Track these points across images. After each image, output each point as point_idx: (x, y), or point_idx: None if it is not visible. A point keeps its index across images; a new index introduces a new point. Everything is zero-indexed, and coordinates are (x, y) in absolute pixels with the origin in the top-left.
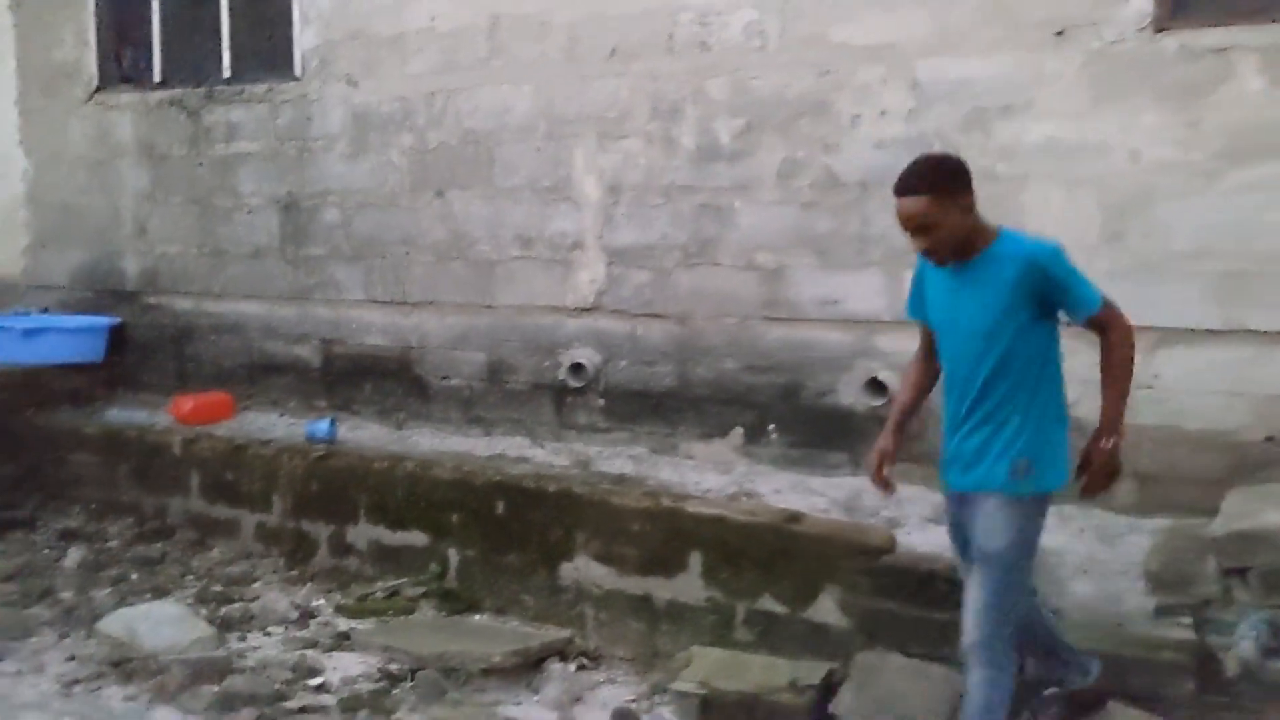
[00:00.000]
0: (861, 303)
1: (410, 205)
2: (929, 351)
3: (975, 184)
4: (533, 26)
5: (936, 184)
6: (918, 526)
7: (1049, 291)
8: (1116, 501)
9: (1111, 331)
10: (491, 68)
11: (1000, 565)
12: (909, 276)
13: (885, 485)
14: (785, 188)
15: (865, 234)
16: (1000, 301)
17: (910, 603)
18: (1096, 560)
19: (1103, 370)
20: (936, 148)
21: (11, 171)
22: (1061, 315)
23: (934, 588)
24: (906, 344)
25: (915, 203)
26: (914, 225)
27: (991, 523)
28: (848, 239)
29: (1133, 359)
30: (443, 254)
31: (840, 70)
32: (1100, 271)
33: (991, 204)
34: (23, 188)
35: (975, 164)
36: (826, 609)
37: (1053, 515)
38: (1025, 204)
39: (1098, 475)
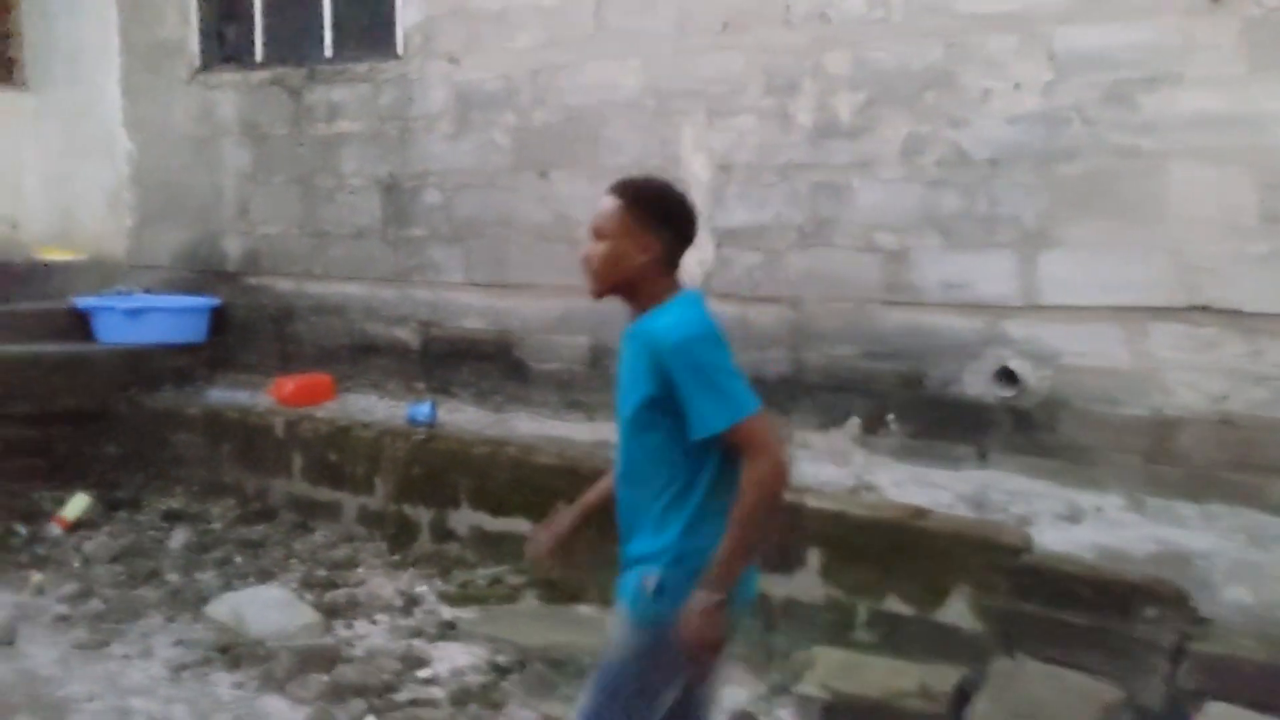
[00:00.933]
0: (990, 286)
1: (511, 185)
2: None
3: (1102, 161)
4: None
5: (639, 198)
6: (1050, 524)
7: (671, 384)
8: (1270, 499)
9: (751, 460)
10: (597, 43)
11: (602, 688)
12: (1042, 260)
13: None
14: (909, 165)
15: (995, 214)
16: (638, 383)
17: (1050, 606)
18: (1250, 564)
19: (735, 507)
20: (1075, 123)
21: (117, 151)
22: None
23: (1075, 591)
24: (1040, 330)
25: (606, 201)
26: (593, 227)
27: (614, 635)
28: (976, 219)
29: (772, 501)
30: (544, 235)
31: (969, 41)
32: (1256, 256)
33: (1134, 183)
34: (127, 169)
35: (1117, 140)
36: (957, 611)
37: (1197, 514)
38: (1171, 183)
39: (684, 644)
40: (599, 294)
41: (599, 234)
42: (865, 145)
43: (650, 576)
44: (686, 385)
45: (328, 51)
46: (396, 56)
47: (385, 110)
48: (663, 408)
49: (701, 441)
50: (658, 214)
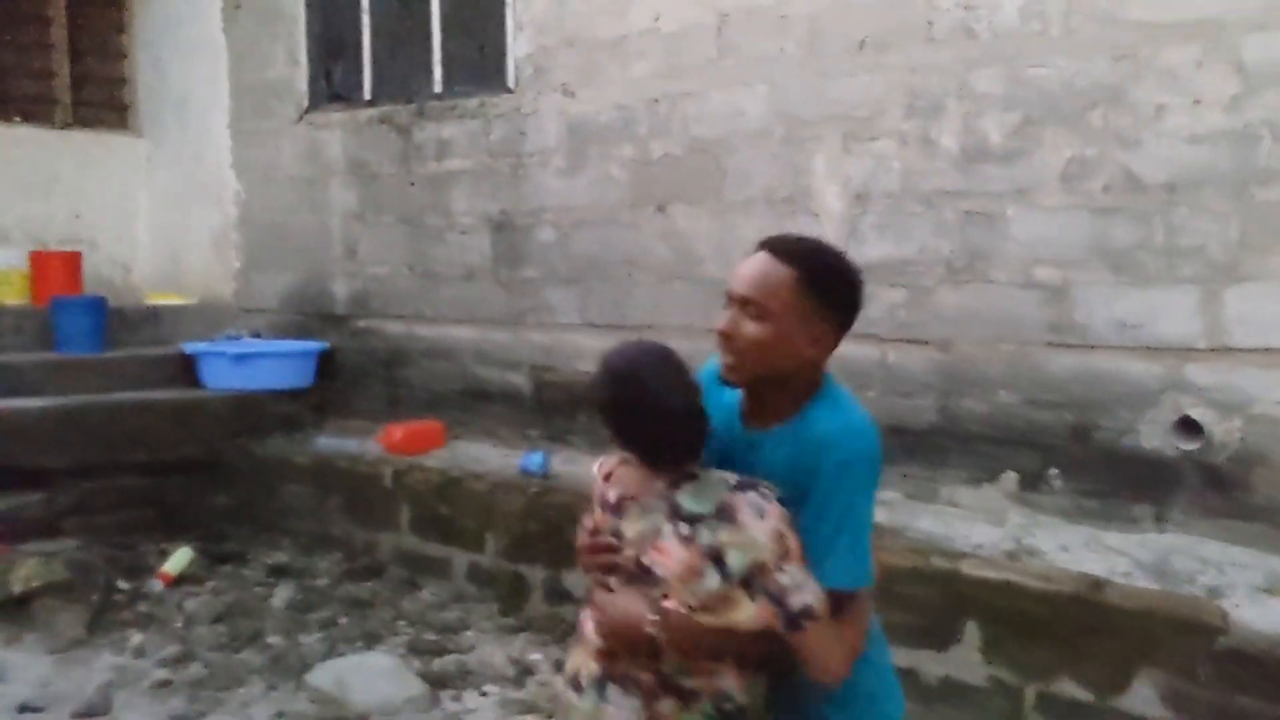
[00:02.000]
0: (1170, 326)
1: (630, 222)
2: None
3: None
4: (767, 20)
5: (813, 268)
6: (1248, 597)
7: (807, 502)
8: None
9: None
10: (721, 68)
11: None
12: (1231, 295)
13: None
14: (1071, 191)
15: (1174, 245)
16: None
17: (1261, 698)
18: None
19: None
20: (1266, 140)
21: (225, 195)
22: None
23: None
24: (1229, 376)
25: (769, 265)
26: (741, 295)
27: None
28: (1152, 251)
29: (819, 673)
30: (665, 274)
31: (1141, 53)
32: None
33: None
34: (235, 211)
35: None
36: (1144, 698)
37: None
38: None
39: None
40: (739, 383)
41: (751, 306)
42: (1021, 170)
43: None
44: (822, 507)
45: (437, 87)
46: (508, 90)
47: (496, 146)
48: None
49: None
50: (839, 298)
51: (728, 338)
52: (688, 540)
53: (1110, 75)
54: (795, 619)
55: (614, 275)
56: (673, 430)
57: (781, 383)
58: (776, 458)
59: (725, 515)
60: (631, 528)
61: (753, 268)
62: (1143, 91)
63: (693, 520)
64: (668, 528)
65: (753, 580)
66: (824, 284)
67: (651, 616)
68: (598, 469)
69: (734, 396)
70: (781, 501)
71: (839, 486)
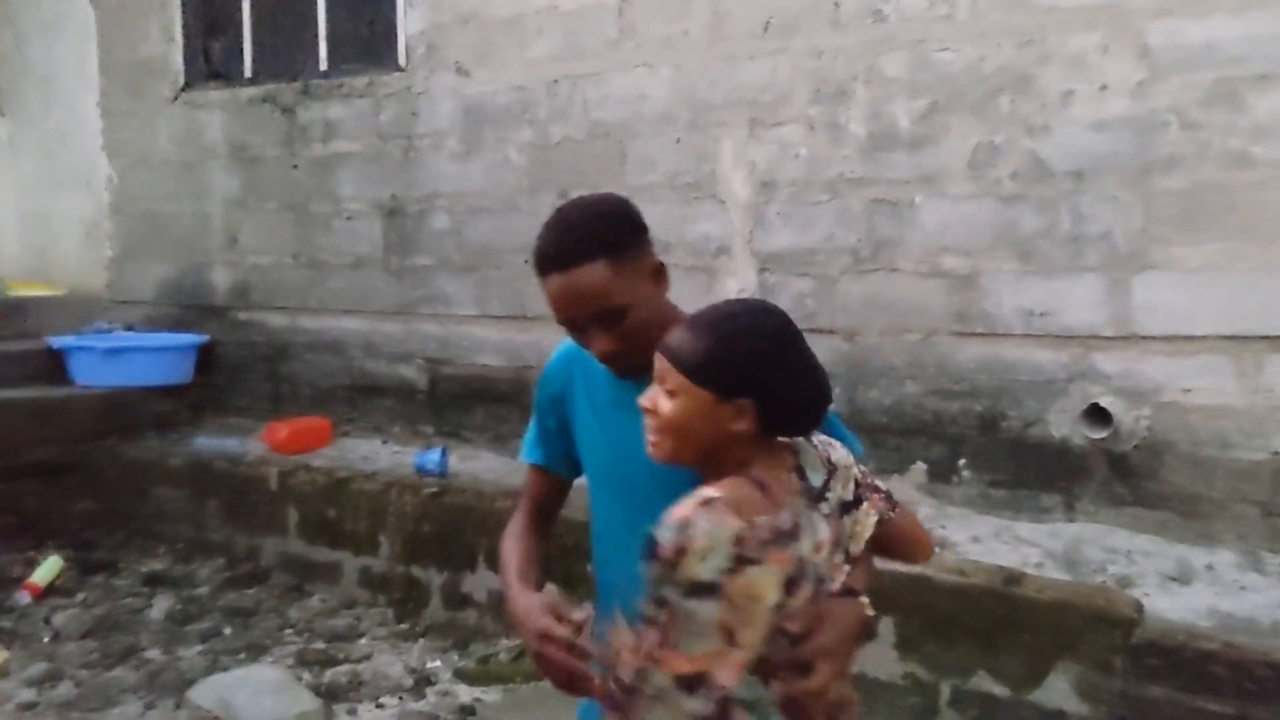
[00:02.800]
0: (1077, 314)
1: (530, 208)
2: (540, 517)
3: (1208, 172)
4: (670, 1)
5: (611, 241)
6: (1158, 587)
7: None
8: None
9: None
10: (623, 50)
11: None
12: (1138, 284)
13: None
14: (979, 179)
15: (1081, 232)
16: None
17: (1178, 689)
18: None
19: None
20: (1173, 128)
21: (96, 179)
22: None
23: (1206, 671)
24: (1137, 364)
25: (590, 273)
26: (590, 311)
27: None
28: (1059, 239)
29: None
30: None
31: (1047, 38)
32: None
33: (1245, 195)
34: (107, 196)
35: (1225, 146)
36: (1060, 692)
37: None
38: None
39: None
40: (627, 371)
41: (607, 314)
42: (928, 157)
43: None
44: None
45: (323, 65)
46: (399, 69)
47: (386, 128)
48: None
49: None
50: (629, 234)
51: (611, 354)
52: (829, 517)
53: (1017, 60)
54: (892, 499)
55: (512, 264)
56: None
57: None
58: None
59: (832, 472)
60: (808, 544)
61: (575, 285)
62: (1050, 77)
63: (821, 495)
64: (816, 519)
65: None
66: (627, 236)
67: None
68: (720, 521)
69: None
70: None
71: None
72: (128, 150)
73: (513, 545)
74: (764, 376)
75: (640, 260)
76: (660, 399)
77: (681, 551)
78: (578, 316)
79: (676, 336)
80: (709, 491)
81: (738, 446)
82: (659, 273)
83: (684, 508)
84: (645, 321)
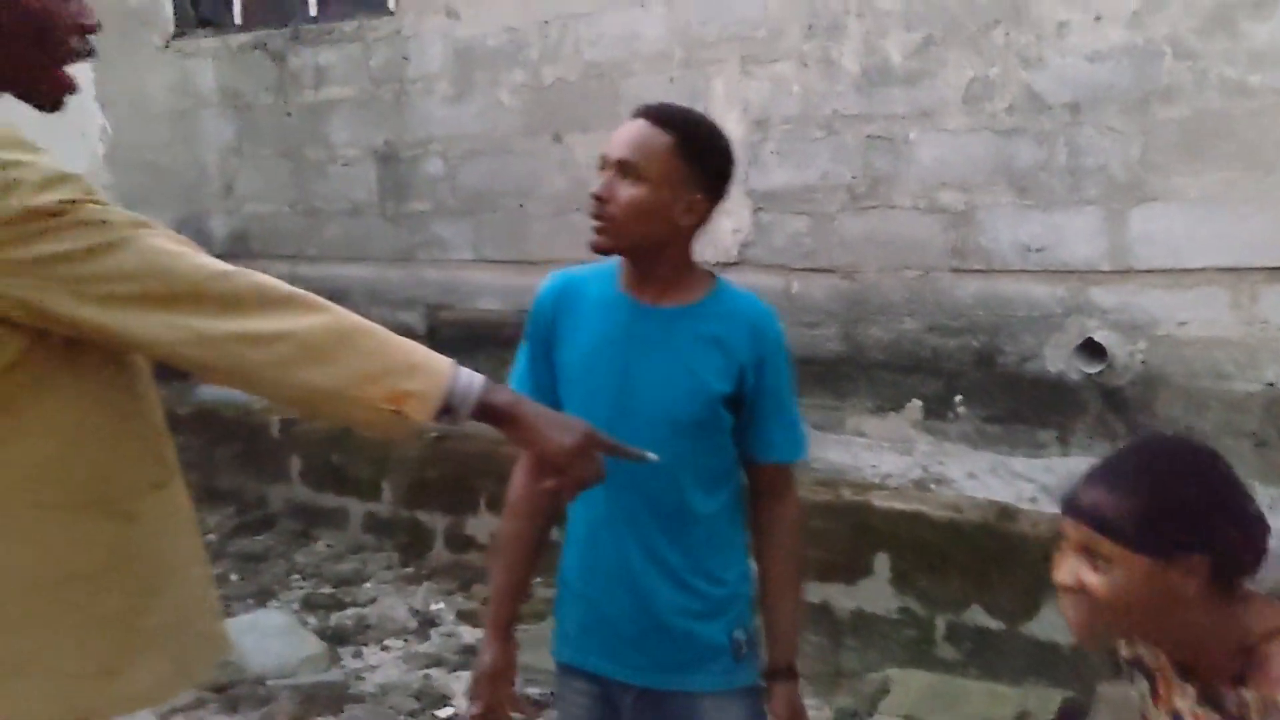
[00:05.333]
0: (1074, 249)
1: (524, 151)
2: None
3: (1206, 101)
4: None
5: (689, 135)
6: None
7: (758, 388)
8: None
9: (791, 503)
10: None
11: None
12: (1135, 216)
13: None
14: (975, 113)
15: (1078, 165)
16: (706, 373)
17: None
18: None
19: (779, 561)
20: (1168, 57)
21: (90, 130)
22: None
23: None
24: (1133, 298)
25: (647, 130)
26: (616, 159)
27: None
28: (1056, 172)
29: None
30: (562, 205)
31: None
32: None
33: (1243, 125)
34: (102, 147)
35: (1222, 75)
36: (1052, 624)
37: None
38: None
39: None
40: (611, 249)
41: (629, 171)
42: (923, 92)
43: (739, 634)
44: (778, 394)
45: (312, 10)
46: (388, 12)
47: (377, 72)
48: (727, 411)
49: (735, 465)
50: (714, 166)
51: (602, 201)
52: None
53: None
54: None
55: (508, 207)
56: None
57: (656, 252)
58: (705, 330)
59: None
60: None
61: (630, 132)
62: (1044, 8)
63: None
64: None
65: None
66: (700, 151)
67: None
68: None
69: (604, 282)
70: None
71: (783, 369)
72: (121, 100)
73: (504, 557)
74: (1216, 524)
75: (696, 186)
76: (1085, 573)
77: None
78: (616, 154)
79: (1090, 496)
80: None
81: (1191, 610)
82: (695, 210)
83: None
84: (648, 215)
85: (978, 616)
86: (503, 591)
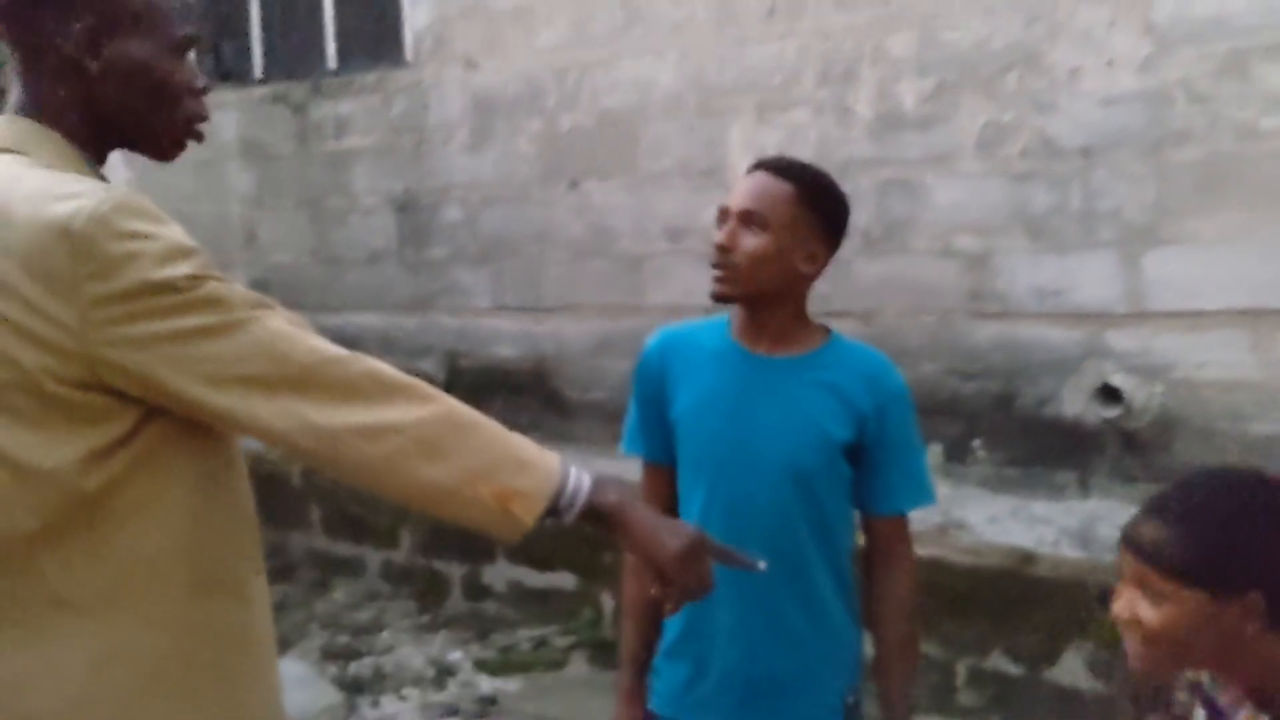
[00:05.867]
0: (1089, 292)
1: (542, 198)
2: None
3: (1219, 144)
4: None
5: (813, 190)
6: None
7: (880, 437)
8: None
9: (904, 561)
10: (631, 36)
11: None
12: (1150, 259)
13: None
14: (989, 157)
15: (1092, 209)
16: (824, 421)
17: None
18: None
19: (896, 622)
20: (1180, 101)
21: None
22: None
23: None
24: (1150, 340)
25: (768, 180)
26: (742, 209)
27: None
28: (1070, 216)
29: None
30: (580, 251)
31: (1054, 14)
32: None
33: (1257, 167)
34: None
35: (1235, 118)
36: (1075, 670)
37: None
38: None
39: None
40: (732, 297)
41: (752, 220)
42: (937, 137)
43: (850, 698)
44: (902, 443)
45: (331, 63)
46: (406, 64)
47: (397, 122)
48: (846, 462)
49: (852, 522)
50: (833, 216)
51: (726, 250)
52: None
53: (1025, 37)
54: None
55: (526, 254)
56: None
57: (776, 302)
58: (822, 379)
59: None
60: None
61: (752, 183)
62: (1057, 54)
63: None
64: None
65: None
66: (820, 200)
67: None
68: None
69: (715, 335)
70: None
71: (907, 417)
72: None
73: (633, 608)
74: (1266, 562)
75: (816, 236)
76: (1141, 606)
77: None
78: (740, 205)
79: (1146, 529)
80: None
81: (1253, 646)
82: (815, 259)
83: None
84: (771, 263)
85: (999, 662)
86: (632, 653)
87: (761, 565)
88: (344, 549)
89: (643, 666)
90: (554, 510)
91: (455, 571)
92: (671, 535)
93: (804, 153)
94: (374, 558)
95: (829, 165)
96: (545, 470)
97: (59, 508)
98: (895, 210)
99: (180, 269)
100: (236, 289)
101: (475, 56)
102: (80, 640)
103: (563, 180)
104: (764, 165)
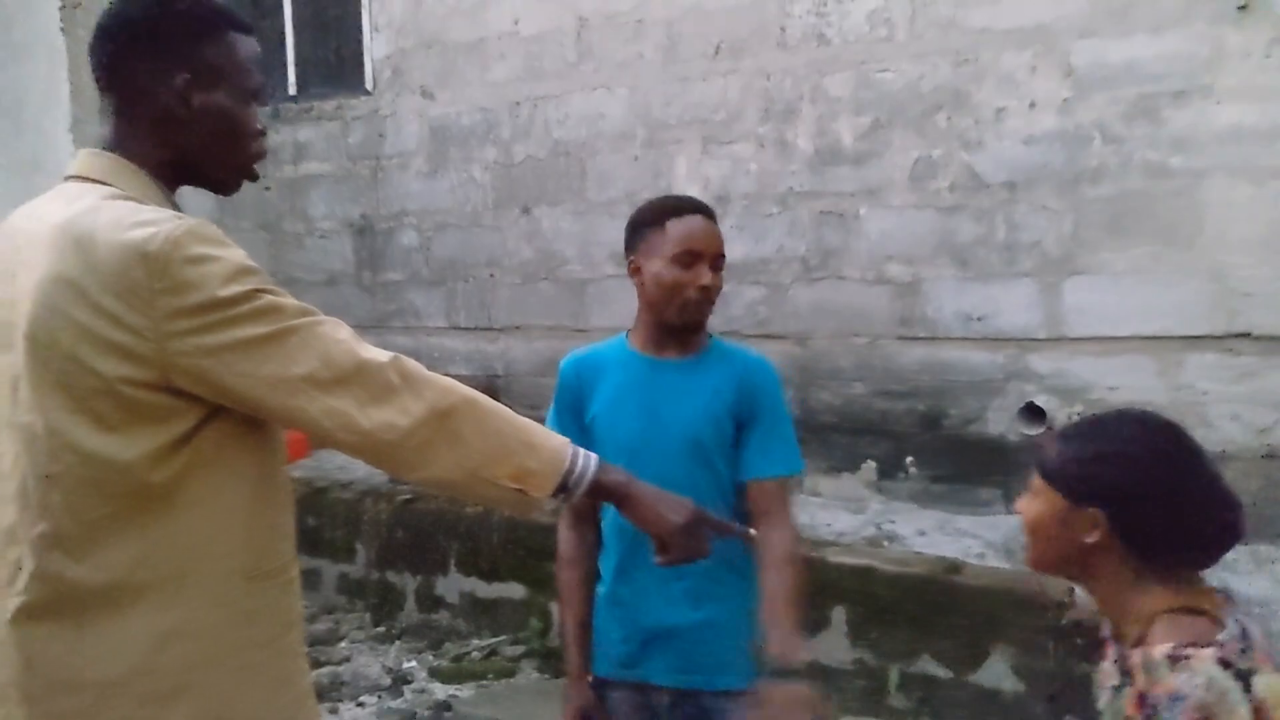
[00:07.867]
0: (1012, 318)
1: (494, 224)
2: (584, 513)
3: (1131, 182)
4: (626, 25)
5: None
6: None
7: (754, 412)
8: None
9: (787, 524)
10: (581, 72)
11: None
12: (1068, 288)
13: None
14: (919, 191)
15: (1014, 240)
16: (720, 403)
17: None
18: None
19: (774, 568)
20: (1096, 141)
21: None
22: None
23: None
24: (1068, 364)
25: (712, 227)
26: (716, 252)
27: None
28: (994, 246)
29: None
30: (530, 275)
31: (981, 58)
32: None
33: (1165, 203)
34: None
35: (1145, 158)
36: (998, 672)
37: (1246, 556)
38: (1205, 201)
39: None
40: (703, 325)
41: (720, 264)
42: (871, 171)
43: (755, 641)
44: (773, 416)
45: (292, 89)
46: (366, 92)
47: (355, 149)
48: (734, 440)
49: (730, 487)
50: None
51: (711, 290)
52: None
53: (953, 79)
54: None
55: (478, 277)
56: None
57: (688, 331)
58: (710, 371)
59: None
60: None
61: (708, 228)
62: (983, 94)
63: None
64: None
65: None
66: None
67: None
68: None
69: (617, 349)
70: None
71: (777, 396)
72: None
73: (569, 608)
74: (1120, 486)
75: None
76: (1025, 502)
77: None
78: (712, 252)
79: (1046, 441)
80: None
81: (1100, 565)
82: None
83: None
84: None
85: (928, 666)
86: (574, 636)
87: (751, 533)
88: (300, 562)
89: (585, 645)
90: (564, 487)
91: (409, 584)
92: (673, 509)
93: (746, 184)
94: (330, 570)
95: (770, 196)
96: (554, 452)
97: (128, 496)
98: (830, 239)
99: (242, 286)
100: (289, 300)
101: (432, 88)
102: (144, 617)
103: (515, 207)
104: (700, 209)
